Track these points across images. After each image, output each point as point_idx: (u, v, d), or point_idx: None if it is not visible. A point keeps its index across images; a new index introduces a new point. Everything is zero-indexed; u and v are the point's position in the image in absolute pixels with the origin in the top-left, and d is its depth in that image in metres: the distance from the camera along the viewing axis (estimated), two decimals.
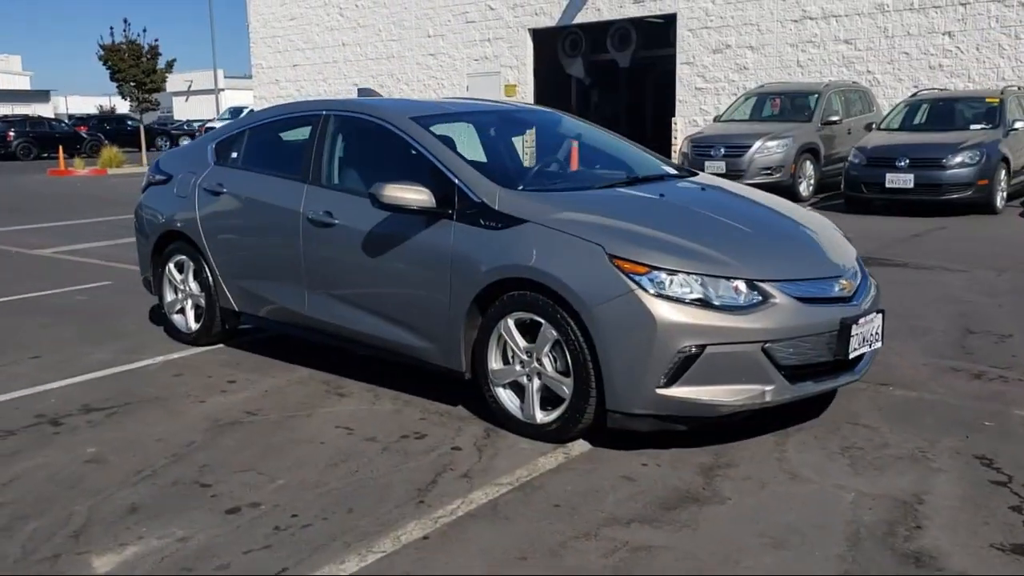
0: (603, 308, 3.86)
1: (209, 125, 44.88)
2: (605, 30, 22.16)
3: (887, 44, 17.29)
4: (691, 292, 3.85)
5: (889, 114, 13.79)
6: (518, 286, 4.18)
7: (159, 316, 6.85)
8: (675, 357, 3.79)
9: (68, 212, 15.27)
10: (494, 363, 4.36)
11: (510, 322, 4.23)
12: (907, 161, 11.80)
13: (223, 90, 70.31)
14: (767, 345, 3.85)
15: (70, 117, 52.61)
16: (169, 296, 6.22)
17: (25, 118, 39.46)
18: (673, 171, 5.36)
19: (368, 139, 5.22)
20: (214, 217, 5.72)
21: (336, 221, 4.94)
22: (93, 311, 7.29)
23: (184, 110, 74.52)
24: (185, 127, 51.04)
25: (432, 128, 4.87)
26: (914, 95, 14.38)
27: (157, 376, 5.45)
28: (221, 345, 6.11)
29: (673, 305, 3.81)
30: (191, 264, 5.96)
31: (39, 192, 19.98)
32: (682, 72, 19.96)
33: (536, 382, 4.20)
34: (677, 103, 20.13)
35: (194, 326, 6.07)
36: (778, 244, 4.37)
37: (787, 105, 15.30)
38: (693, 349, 3.79)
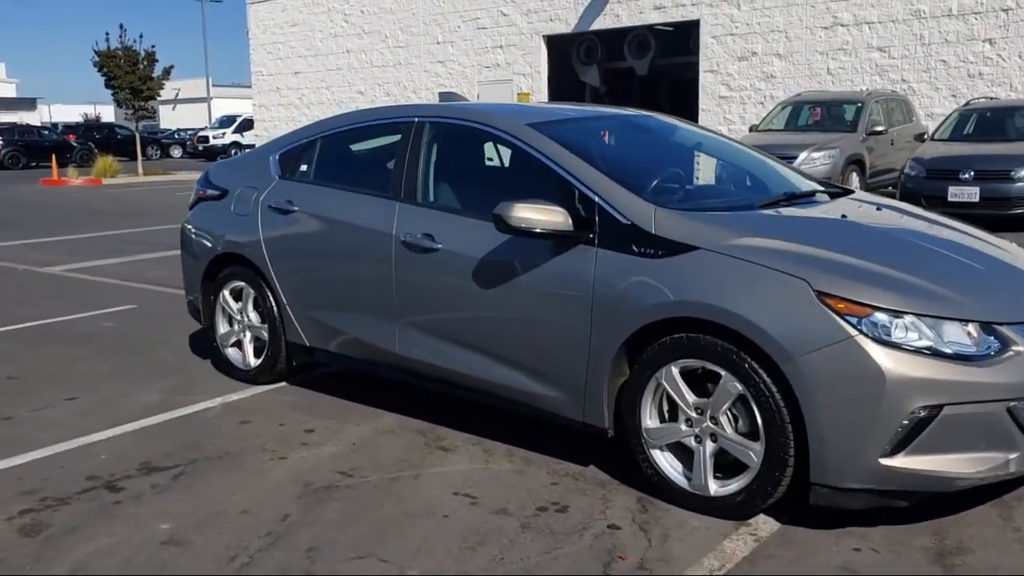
0: (811, 358, 3.14)
1: (202, 134, 44.16)
2: (622, 37, 21.54)
3: (923, 52, 16.71)
4: (919, 338, 3.13)
5: (943, 124, 13.16)
6: (687, 327, 3.45)
7: (202, 346, 6.10)
8: (906, 420, 3.08)
9: (68, 225, 14.44)
10: (649, 420, 3.63)
11: (674, 371, 3.51)
12: (971, 173, 11.16)
13: (211, 99, 69.68)
14: (1012, 404, 3.14)
15: (55, 125, 51.43)
16: (223, 327, 5.47)
17: (13, 126, 38.44)
18: (818, 186, 4.65)
19: (474, 150, 4.52)
20: (282, 239, 4.98)
21: (439, 245, 4.21)
22: (125, 340, 6.51)
23: (171, 119, 73.46)
24: (176, 136, 50.12)
25: (555, 136, 4.14)
26: (967, 104, 13.76)
27: (220, 424, 4.69)
28: (284, 384, 5.35)
29: (901, 355, 3.09)
30: (251, 292, 5.21)
31: (33, 203, 19.11)
32: (705, 80, 19.33)
33: (709, 445, 3.47)
34: (700, 112, 19.48)
35: (253, 362, 5.32)
36: (1003, 277, 3.65)
37: (827, 114, 14.66)
38: (927, 410, 3.08)
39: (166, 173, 28.36)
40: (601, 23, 20.83)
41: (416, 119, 4.60)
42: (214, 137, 43.04)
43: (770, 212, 3.98)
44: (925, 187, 11.50)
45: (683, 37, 20.61)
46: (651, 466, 3.63)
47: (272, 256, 5.02)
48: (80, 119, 69.65)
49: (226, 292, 5.39)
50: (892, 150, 14.21)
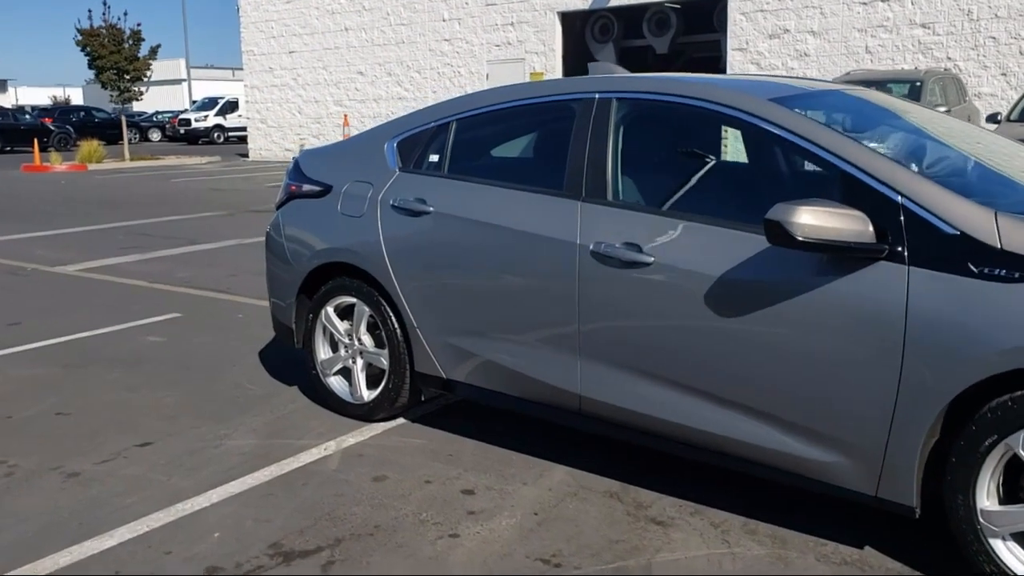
0: None
1: (183, 117, 42.66)
2: (641, 13, 20.54)
3: (971, 28, 15.87)
4: None
5: (1017, 104, 12.29)
6: None
7: (283, 368, 5.14)
8: None
9: (66, 216, 13.29)
10: (985, 500, 2.71)
11: None
12: None
13: (185, 80, 67.97)
14: None
15: (20, 108, 49.34)
16: (324, 352, 4.49)
17: None
18: None
19: (692, 134, 3.55)
20: (411, 246, 4.00)
21: (649, 259, 3.25)
22: (184, 361, 5.50)
23: (145, 101, 71.34)
24: (155, 119, 48.52)
25: (820, 118, 3.18)
26: None
27: (350, 482, 3.71)
28: (402, 420, 4.38)
29: None
30: (365, 310, 4.23)
31: (19, 191, 17.85)
32: (733, 59, 18.39)
33: None
34: None
35: (366, 395, 4.34)
36: None
37: None
38: None
39: (154, 158, 27.05)
40: None
41: (598, 95, 3.62)
42: (196, 120, 41.68)
43: None
44: None
45: (707, 13, 19.65)
46: (991, 561, 2.71)
47: (397, 267, 4.04)
48: (49, 101, 67.47)
49: (330, 309, 4.40)
50: None
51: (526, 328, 3.64)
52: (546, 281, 3.54)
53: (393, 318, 4.13)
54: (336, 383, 4.49)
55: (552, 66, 20.95)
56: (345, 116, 19.29)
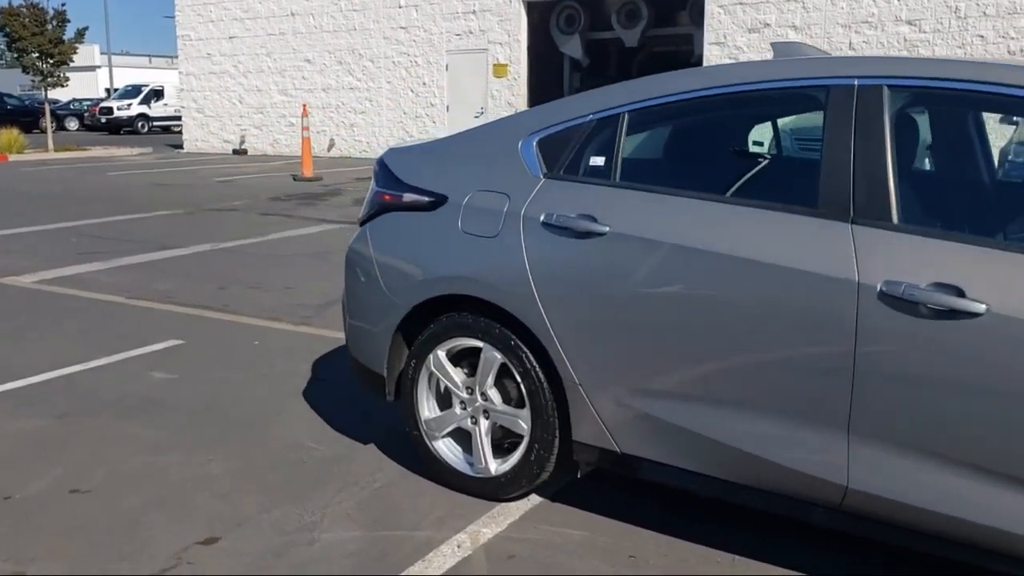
0: None
1: (104, 105, 40.32)
2: (609, 4, 19.72)
3: (959, 26, 15.46)
4: None
5: None
6: None
7: (343, 416, 4.15)
8: None
9: (2, 216, 11.82)
10: None
11: None
12: None
13: (99, 67, 65.01)
14: None
15: None
16: (429, 408, 3.50)
17: None
18: None
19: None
20: (571, 277, 3.03)
21: (979, 306, 2.35)
22: (209, 407, 4.41)
23: (58, 88, 67.88)
24: (72, 107, 45.84)
25: None
26: None
27: None
28: (537, 498, 3.41)
29: None
30: (496, 356, 3.25)
31: None
32: (710, 54, 17.71)
33: None
34: None
35: (494, 466, 3.35)
36: None
37: None
38: None
39: (81, 149, 25.19)
40: None
41: (857, 81, 2.70)
42: (119, 108, 39.48)
43: None
44: None
45: (680, 5, 18.95)
46: None
47: (550, 302, 3.06)
48: None
49: (441, 354, 3.40)
50: None
51: (760, 395, 2.71)
52: (797, 331, 2.62)
53: (539, 369, 3.15)
54: (446, 448, 3.49)
55: (517, 57, 19.99)
56: (304, 106, 17.97)
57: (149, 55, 76.16)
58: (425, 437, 3.51)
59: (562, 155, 3.20)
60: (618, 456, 3.06)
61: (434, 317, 3.42)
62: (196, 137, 25.77)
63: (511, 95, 20.07)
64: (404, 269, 3.45)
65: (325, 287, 7.13)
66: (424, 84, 21.31)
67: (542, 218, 3.11)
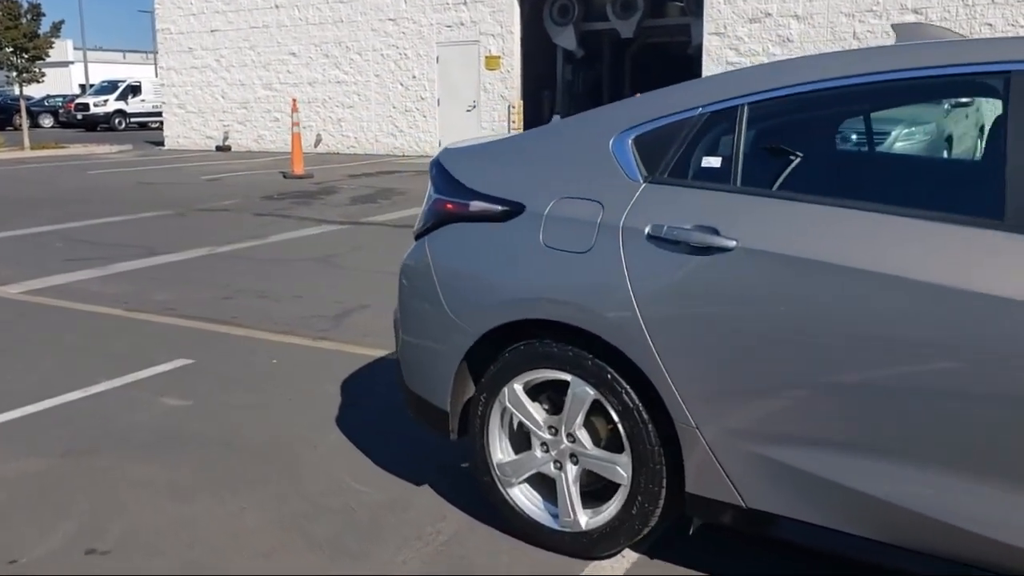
0: None
1: (80, 101, 39.41)
2: None
3: (966, 13, 15.10)
4: None
5: None
6: None
7: (390, 451, 3.63)
8: None
9: None
10: None
11: None
12: None
13: (71, 63, 63.87)
14: None
15: None
16: (503, 450, 3.03)
17: None
18: None
19: None
20: (687, 300, 2.56)
21: None
22: (233, 442, 3.91)
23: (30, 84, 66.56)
24: (46, 103, 44.81)
25: None
26: None
27: None
28: (635, 556, 2.94)
29: None
30: (588, 392, 2.77)
31: None
32: (710, 44, 17.27)
33: None
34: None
35: (586, 519, 2.88)
36: None
37: None
38: None
39: (58, 146, 24.42)
40: None
41: None
42: (95, 105, 38.60)
43: None
44: None
45: None
46: None
47: (658, 331, 2.58)
48: None
49: (519, 387, 2.92)
50: (968, 123, 12.52)
51: (941, 448, 2.25)
52: (996, 371, 2.15)
53: (643, 408, 2.68)
54: (524, 497, 3.02)
55: (510, 49, 19.47)
56: (294, 100, 17.39)
57: (124, 50, 74.99)
58: (499, 483, 3.03)
59: (666, 155, 2.73)
60: (743, 511, 2.59)
61: (507, 344, 2.94)
62: (178, 133, 25.08)
63: (504, 88, 19.57)
64: (473, 290, 2.97)
65: (337, 296, 6.63)
66: (414, 77, 20.76)
67: (648, 230, 2.63)
